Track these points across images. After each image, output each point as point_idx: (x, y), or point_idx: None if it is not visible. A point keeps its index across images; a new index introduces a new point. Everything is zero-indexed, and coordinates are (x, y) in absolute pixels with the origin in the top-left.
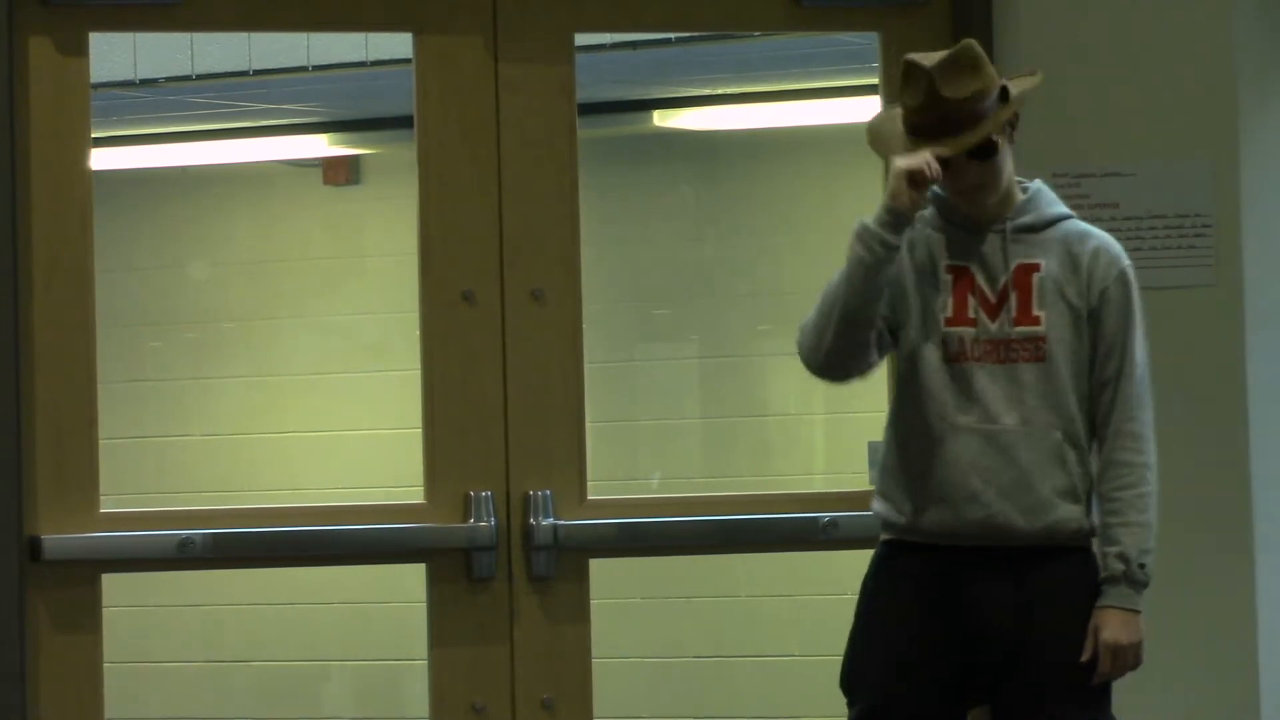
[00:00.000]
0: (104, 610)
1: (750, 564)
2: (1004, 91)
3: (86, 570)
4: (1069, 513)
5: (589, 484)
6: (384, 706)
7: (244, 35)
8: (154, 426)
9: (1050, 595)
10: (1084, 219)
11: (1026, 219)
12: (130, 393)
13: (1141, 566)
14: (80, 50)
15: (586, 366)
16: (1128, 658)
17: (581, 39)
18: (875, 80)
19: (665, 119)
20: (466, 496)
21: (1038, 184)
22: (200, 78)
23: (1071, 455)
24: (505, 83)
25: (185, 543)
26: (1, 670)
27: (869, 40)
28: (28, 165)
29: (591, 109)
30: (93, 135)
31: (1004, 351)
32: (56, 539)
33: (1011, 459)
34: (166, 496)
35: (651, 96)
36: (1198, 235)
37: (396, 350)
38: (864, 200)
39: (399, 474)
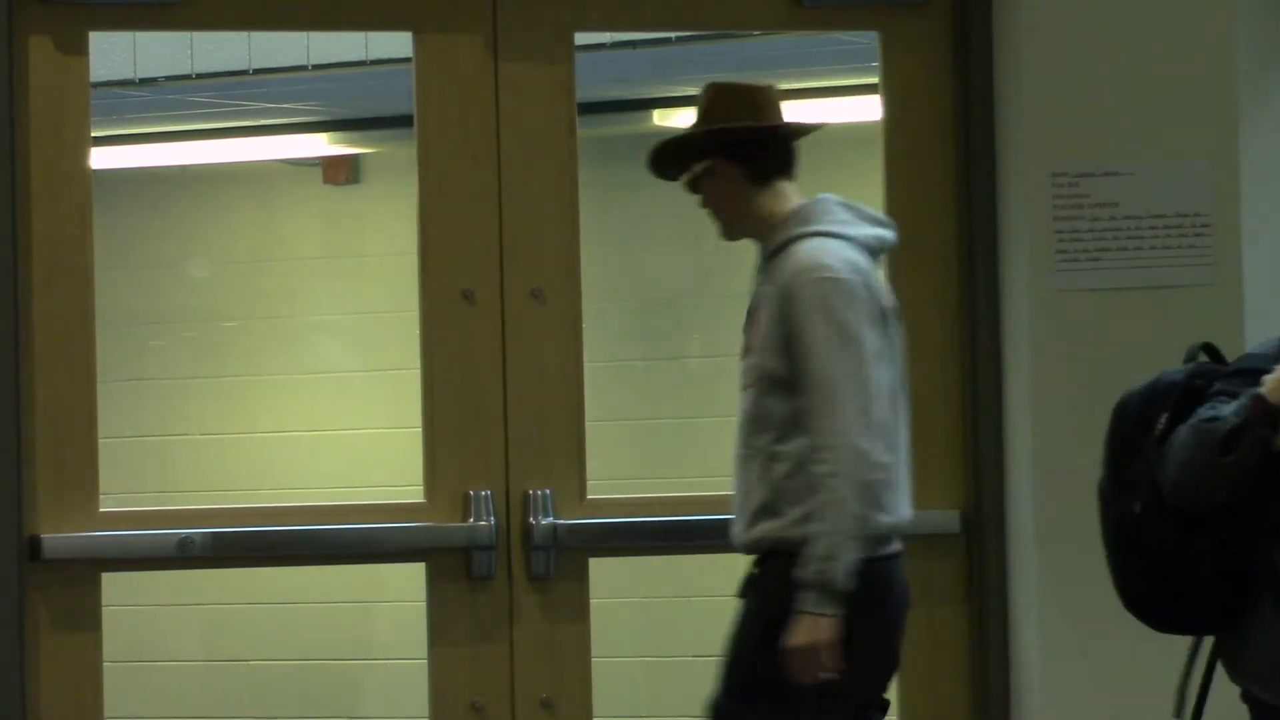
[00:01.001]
0: (104, 609)
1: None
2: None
3: (86, 569)
4: (765, 528)
5: (588, 483)
6: (384, 706)
7: (244, 35)
8: (154, 426)
9: (743, 598)
10: (1084, 218)
11: (772, 246)
12: (130, 393)
13: (820, 572)
14: (80, 50)
15: (586, 366)
16: (802, 661)
17: (581, 38)
18: (875, 80)
19: (665, 118)
20: (466, 496)
21: (801, 204)
22: (200, 77)
23: (778, 470)
24: (505, 83)
25: (185, 542)
26: (1, 669)
27: (869, 40)
28: (28, 165)
29: (591, 108)
30: (93, 135)
31: (742, 378)
32: (56, 538)
33: (739, 480)
34: (166, 496)
35: (651, 96)
36: (1197, 235)
37: (396, 350)
38: (863, 199)
39: (399, 474)
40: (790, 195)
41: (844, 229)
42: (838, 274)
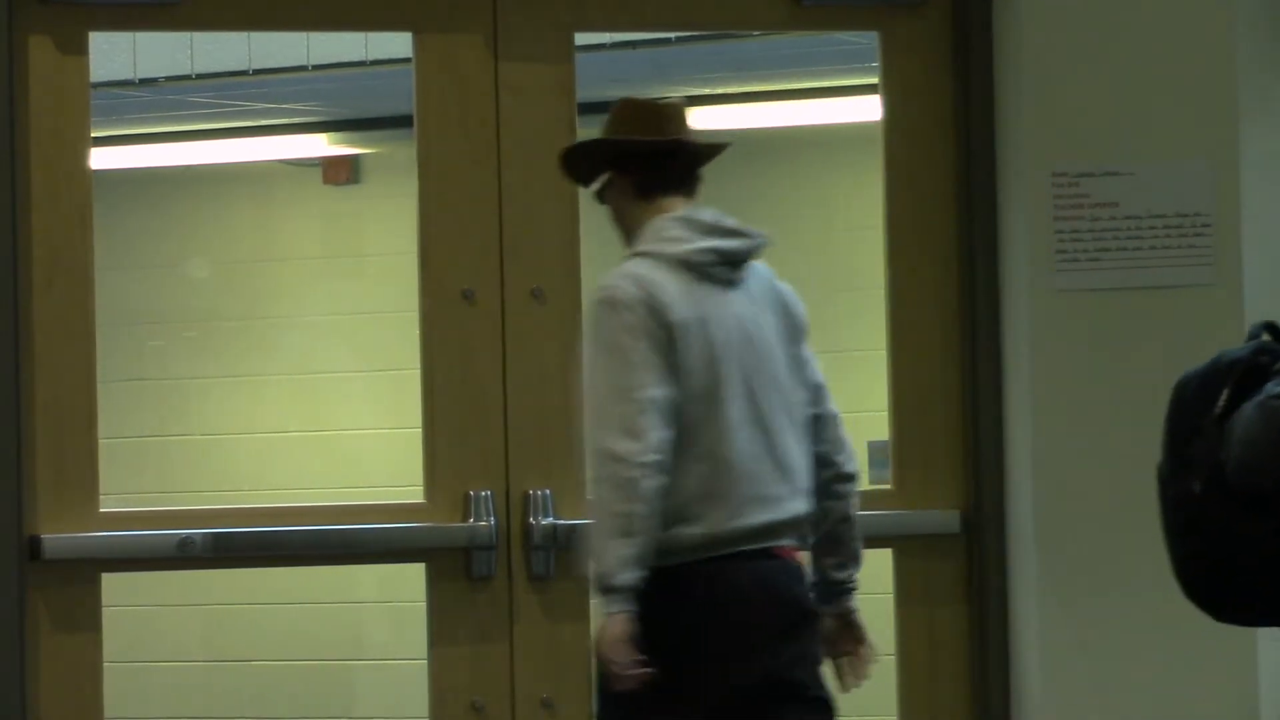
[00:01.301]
0: (104, 609)
1: None
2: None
3: (86, 570)
4: None
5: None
6: (384, 706)
7: (244, 35)
8: (154, 426)
9: None
10: (1084, 218)
11: None
12: (130, 393)
13: (596, 574)
14: (80, 50)
15: None
16: (606, 663)
17: (581, 38)
18: (875, 80)
19: None
20: (466, 496)
21: (653, 222)
22: (200, 77)
23: None
24: (505, 83)
25: (185, 542)
26: (1, 669)
27: (869, 40)
28: (28, 165)
29: (591, 108)
30: (93, 135)
31: None
32: (56, 538)
33: None
34: (166, 496)
35: (651, 96)
36: (1198, 235)
37: (396, 350)
38: (863, 199)
39: (399, 474)
40: (675, 212)
41: (660, 247)
42: (612, 292)
